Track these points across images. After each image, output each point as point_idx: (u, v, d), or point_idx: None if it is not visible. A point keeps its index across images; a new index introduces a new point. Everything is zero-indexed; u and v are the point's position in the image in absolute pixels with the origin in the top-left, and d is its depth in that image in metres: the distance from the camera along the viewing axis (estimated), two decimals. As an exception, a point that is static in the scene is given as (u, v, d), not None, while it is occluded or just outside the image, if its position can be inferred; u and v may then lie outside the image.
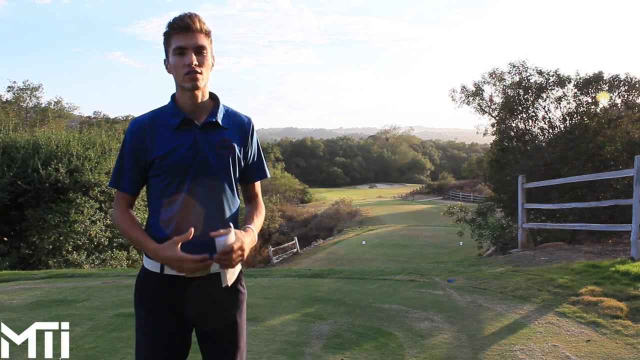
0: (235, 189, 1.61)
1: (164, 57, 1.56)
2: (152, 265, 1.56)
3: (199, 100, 1.54)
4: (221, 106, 1.60)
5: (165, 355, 1.55)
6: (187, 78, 1.49)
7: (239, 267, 1.57)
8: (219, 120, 1.57)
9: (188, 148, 1.51)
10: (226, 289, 1.58)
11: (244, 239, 1.47)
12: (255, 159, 1.68)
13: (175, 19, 1.49)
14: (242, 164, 1.63)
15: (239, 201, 1.65)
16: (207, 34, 1.53)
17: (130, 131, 1.55)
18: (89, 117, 45.67)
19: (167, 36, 1.51)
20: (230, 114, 1.62)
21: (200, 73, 1.49)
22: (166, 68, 1.54)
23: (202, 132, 1.54)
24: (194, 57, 1.48)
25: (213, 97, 1.61)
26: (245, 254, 1.48)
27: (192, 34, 1.48)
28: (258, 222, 1.63)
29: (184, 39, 1.48)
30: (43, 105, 31.75)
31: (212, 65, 1.57)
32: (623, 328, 3.40)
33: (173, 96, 1.58)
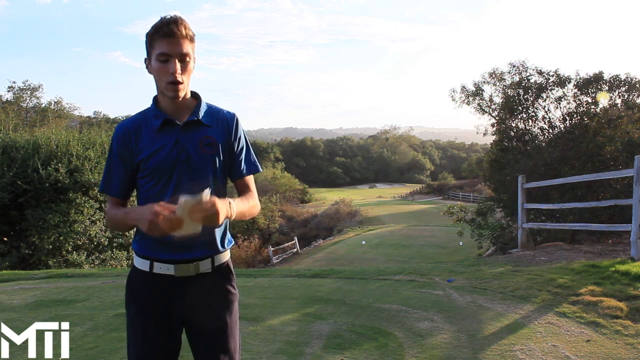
0: (222, 186, 1.61)
1: (145, 56, 1.54)
2: (142, 264, 1.57)
3: (180, 101, 1.55)
4: (203, 104, 1.60)
5: (155, 353, 1.56)
6: (169, 87, 1.48)
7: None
8: (201, 119, 1.57)
9: (171, 148, 1.52)
10: (215, 290, 1.59)
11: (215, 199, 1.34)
12: (244, 153, 1.67)
13: (161, 24, 1.46)
14: (229, 160, 1.62)
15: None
16: (192, 39, 1.51)
17: (115, 136, 1.57)
18: (89, 117, 45.66)
19: (151, 39, 1.49)
20: (213, 111, 1.62)
21: (182, 82, 1.49)
22: (147, 68, 1.54)
23: (184, 132, 1.54)
24: (178, 66, 1.47)
25: (195, 96, 1.61)
26: (220, 214, 1.34)
27: (177, 40, 1.46)
28: (240, 202, 1.54)
29: (168, 46, 1.46)
30: (43, 105, 31.80)
31: (193, 68, 1.57)
32: (623, 328, 3.40)
33: (155, 98, 1.59)
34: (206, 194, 1.33)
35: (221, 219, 1.36)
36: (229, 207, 1.43)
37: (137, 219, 1.38)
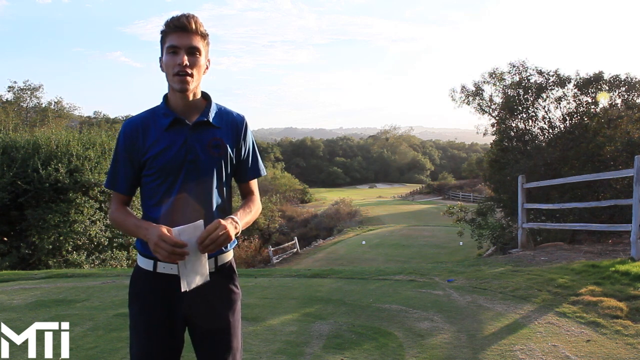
0: (227, 187, 1.61)
1: (159, 55, 1.56)
2: (146, 264, 1.57)
3: (190, 100, 1.55)
4: (213, 105, 1.60)
5: (158, 352, 1.56)
6: (176, 79, 1.49)
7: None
8: (211, 120, 1.57)
9: (179, 148, 1.52)
10: (219, 289, 1.59)
11: (221, 225, 1.42)
12: (250, 157, 1.67)
13: (172, 18, 1.50)
14: (235, 162, 1.62)
15: (231, 200, 1.66)
16: (204, 36, 1.52)
17: (123, 132, 1.56)
18: (89, 117, 45.64)
19: (163, 34, 1.52)
20: (222, 113, 1.62)
21: (191, 75, 1.49)
22: (160, 66, 1.55)
23: (193, 132, 1.54)
24: (185, 57, 1.48)
25: (205, 97, 1.61)
26: (231, 237, 1.44)
27: (188, 34, 1.48)
28: (243, 214, 1.59)
29: (178, 39, 1.48)
30: (43, 105, 31.77)
31: (207, 68, 1.57)
32: (623, 328, 3.40)
33: (165, 96, 1.59)
34: (200, 223, 1.41)
35: (232, 239, 1.45)
36: (236, 225, 1.49)
37: (147, 238, 1.42)
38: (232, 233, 1.44)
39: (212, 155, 1.55)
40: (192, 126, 1.54)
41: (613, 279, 4.51)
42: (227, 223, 1.44)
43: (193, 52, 1.49)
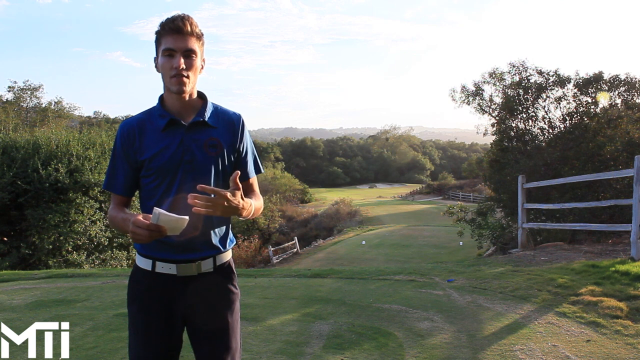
0: (225, 187, 1.60)
1: (154, 55, 1.56)
2: (144, 263, 1.57)
3: (186, 101, 1.55)
4: (209, 105, 1.60)
5: (156, 352, 1.56)
6: (173, 81, 1.49)
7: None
8: (207, 120, 1.57)
9: (175, 149, 1.52)
10: (217, 289, 1.59)
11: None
12: (248, 155, 1.67)
13: (167, 20, 1.49)
14: (233, 161, 1.62)
15: None
16: (199, 37, 1.52)
17: (120, 134, 1.57)
18: (89, 117, 45.69)
19: (158, 35, 1.51)
20: (219, 112, 1.62)
21: (187, 77, 1.49)
22: (155, 67, 1.55)
23: (190, 132, 1.54)
24: (182, 60, 1.48)
25: (201, 97, 1.61)
26: (244, 210, 1.44)
27: (183, 36, 1.48)
28: (254, 201, 1.57)
29: (174, 42, 1.47)
30: (43, 105, 31.75)
31: (202, 68, 1.57)
32: (623, 328, 3.40)
33: (161, 97, 1.59)
34: (185, 219, 1.34)
35: (244, 213, 1.45)
36: (245, 203, 1.47)
37: (129, 228, 1.38)
38: (239, 207, 1.41)
39: (209, 155, 1.55)
40: (188, 126, 1.54)
41: (613, 279, 4.51)
42: (239, 199, 1.41)
43: (189, 54, 1.49)
